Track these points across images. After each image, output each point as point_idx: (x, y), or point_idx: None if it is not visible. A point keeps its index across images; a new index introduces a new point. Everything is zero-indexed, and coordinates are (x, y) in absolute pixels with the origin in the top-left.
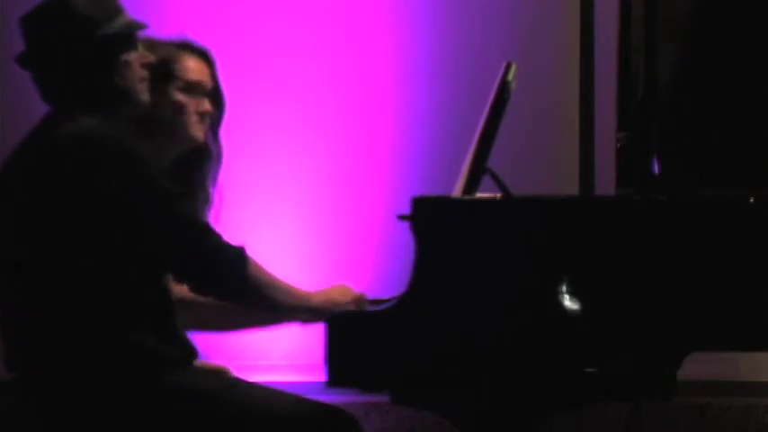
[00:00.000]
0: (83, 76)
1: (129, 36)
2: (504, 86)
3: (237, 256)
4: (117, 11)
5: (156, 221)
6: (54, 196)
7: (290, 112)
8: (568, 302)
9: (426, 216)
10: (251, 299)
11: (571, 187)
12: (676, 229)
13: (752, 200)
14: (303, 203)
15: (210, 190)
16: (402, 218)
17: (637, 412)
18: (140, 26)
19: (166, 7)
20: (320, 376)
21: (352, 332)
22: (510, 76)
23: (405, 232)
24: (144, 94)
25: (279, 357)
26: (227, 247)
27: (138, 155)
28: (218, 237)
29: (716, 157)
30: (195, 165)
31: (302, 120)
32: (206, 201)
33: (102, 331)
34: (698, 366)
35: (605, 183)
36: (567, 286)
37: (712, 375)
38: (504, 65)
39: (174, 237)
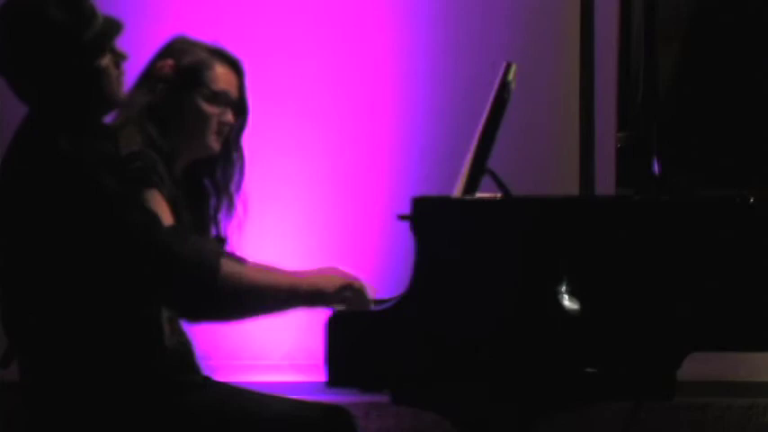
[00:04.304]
0: (60, 85)
1: (106, 40)
2: (504, 86)
3: (209, 267)
4: (92, 14)
5: (118, 249)
6: (24, 218)
7: (290, 111)
8: (568, 302)
9: (426, 216)
10: (228, 317)
11: (571, 187)
12: (676, 229)
13: (752, 200)
14: (303, 203)
15: (234, 197)
16: (402, 218)
17: (637, 412)
18: (118, 27)
19: (166, 6)
20: (320, 376)
21: (352, 332)
22: (510, 77)
23: (405, 232)
24: (120, 92)
25: (279, 357)
26: (196, 260)
27: (103, 183)
28: (184, 244)
29: (716, 157)
30: (207, 172)
31: (302, 120)
32: (229, 208)
33: (93, 345)
34: (698, 366)
35: (605, 183)
36: (567, 286)
37: (712, 375)
38: (504, 65)
39: (139, 267)
